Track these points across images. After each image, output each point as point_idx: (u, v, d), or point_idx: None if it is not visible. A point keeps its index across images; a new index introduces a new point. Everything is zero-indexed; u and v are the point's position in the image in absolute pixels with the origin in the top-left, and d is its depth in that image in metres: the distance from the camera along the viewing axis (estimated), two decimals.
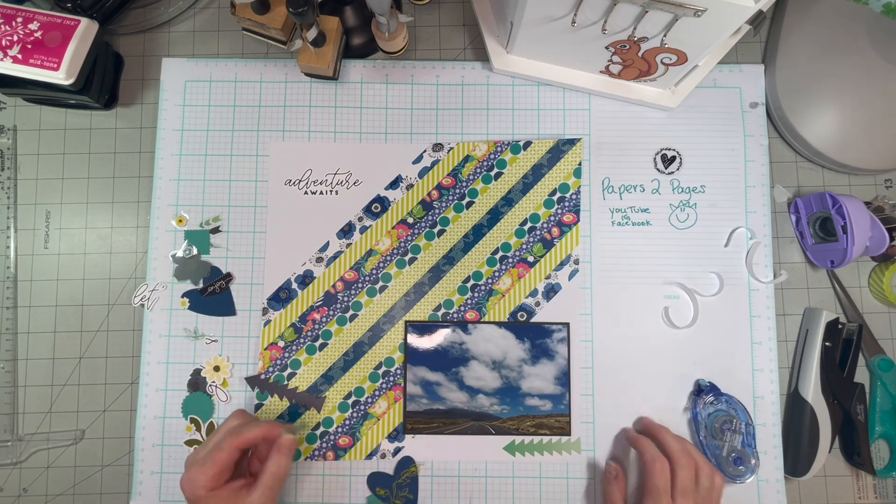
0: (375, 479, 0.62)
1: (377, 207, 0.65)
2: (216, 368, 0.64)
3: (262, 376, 0.63)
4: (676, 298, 0.64)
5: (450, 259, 0.65)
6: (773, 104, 0.66)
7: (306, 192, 0.66)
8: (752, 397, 0.63)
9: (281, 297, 0.64)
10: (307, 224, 0.65)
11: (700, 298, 0.64)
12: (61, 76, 0.58)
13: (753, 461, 0.59)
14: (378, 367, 0.64)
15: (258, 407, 0.63)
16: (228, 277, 0.64)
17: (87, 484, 0.63)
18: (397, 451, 0.62)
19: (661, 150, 0.66)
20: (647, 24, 0.52)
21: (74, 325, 0.65)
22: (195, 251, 0.65)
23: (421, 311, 0.64)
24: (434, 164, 0.66)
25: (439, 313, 0.64)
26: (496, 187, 0.65)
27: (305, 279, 0.64)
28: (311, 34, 0.59)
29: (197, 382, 0.64)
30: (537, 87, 0.67)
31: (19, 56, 0.58)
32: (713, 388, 0.62)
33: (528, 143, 0.66)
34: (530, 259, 0.65)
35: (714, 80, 0.67)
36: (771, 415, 0.63)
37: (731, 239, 0.65)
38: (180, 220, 0.65)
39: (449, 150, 0.66)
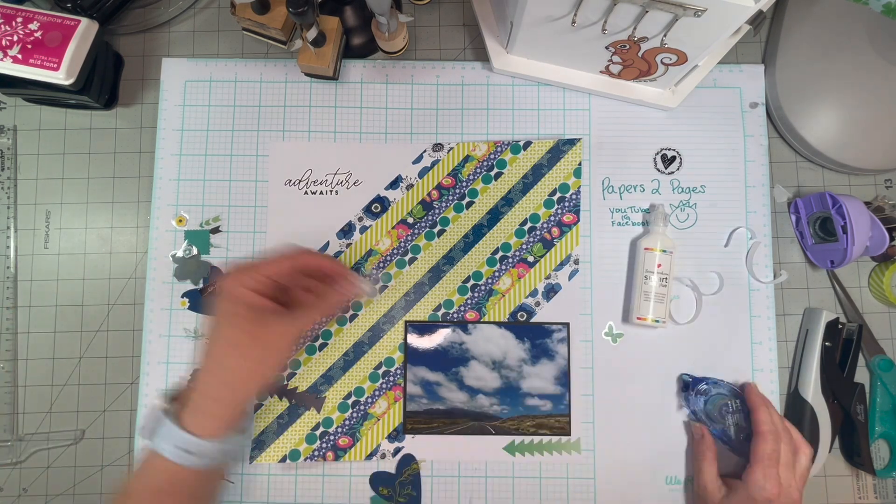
0: (378, 479, 0.62)
1: (377, 207, 0.66)
2: None
3: None
4: (677, 298, 0.64)
5: (450, 259, 0.65)
6: (773, 104, 0.66)
7: (306, 192, 0.66)
8: None
9: None
10: (307, 224, 0.65)
11: (700, 297, 0.64)
12: (61, 76, 0.58)
13: None
14: (378, 367, 0.64)
15: (257, 407, 0.63)
16: None
17: (87, 484, 0.63)
18: (397, 451, 0.62)
19: (661, 150, 0.66)
20: (647, 24, 0.52)
21: (74, 325, 0.65)
22: (195, 251, 0.65)
23: (421, 311, 0.64)
24: (434, 164, 0.66)
25: (439, 313, 0.64)
26: (496, 187, 0.65)
27: None
28: (311, 34, 0.59)
29: None
30: (537, 87, 0.67)
31: (19, 56, 0.57)
32: (697, 380, 0.62)
33: (528, 143, 0.66)
34: (530, 259, 0.65)
35: (714, 80, 0.67)
36: None
37: (731, 239, 0.65)
38: (180, 220, 0.65)
39: (449, 150, 0.66)
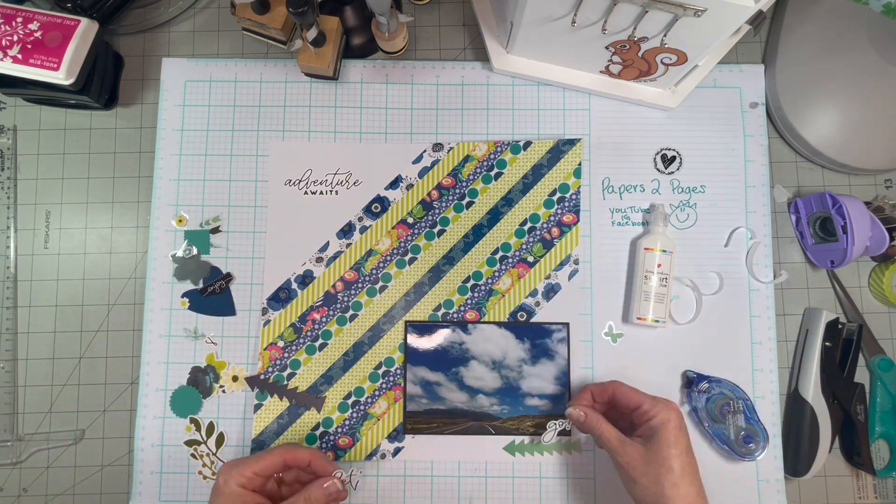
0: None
1: (377, 207, 0.65)
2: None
3: (262, 376, 0.63)
4: (677, 298, 0.64)
5: (450, 259, 0.65)
6: (773, 104, 0.66)
7: (306, 192, 0.66)
8: (752, 397, 0.63)
9: (281, 297, 0.64)
10: (307, 224, 0.65)
11: (701, 297, 0.64)
12: (61, 76, 0.58)
13: (760, 435, 0.60)
14: (378, 367, 0.63)
15: (258, 407, 0.63)
16: (228, 277, 0.64)
17: (87, 484, 0.63)
18: (397, 451, 0.62)
19: (661, 150, 0.66)
20: (647, 24, 0.52)
21: (74, 325, 0.65)
22: (195, 251, 0.65)
23: (421, 311, 0.64)
24: (434, 164, 0.66)
25: (439, 313, 0.64)
26: (496, 187, 0.65)
27: (305, 279, 0.64)
28: (311, 34, 0.59)
29: (197, 381, 0.63)
30: (537, 87, 0.67)
31: (19, 56, 0.58)
32: (701, 377, 0.62)
33: (528, 144, 0.66)
34: (530, 259, 0.65)
35: (714, 80, 0.67)
36: (771, 415, 0.63)
37: (731, 239, 0.65)
38: (180, 220, 0.65)
39: (449, 150, 0.66)
